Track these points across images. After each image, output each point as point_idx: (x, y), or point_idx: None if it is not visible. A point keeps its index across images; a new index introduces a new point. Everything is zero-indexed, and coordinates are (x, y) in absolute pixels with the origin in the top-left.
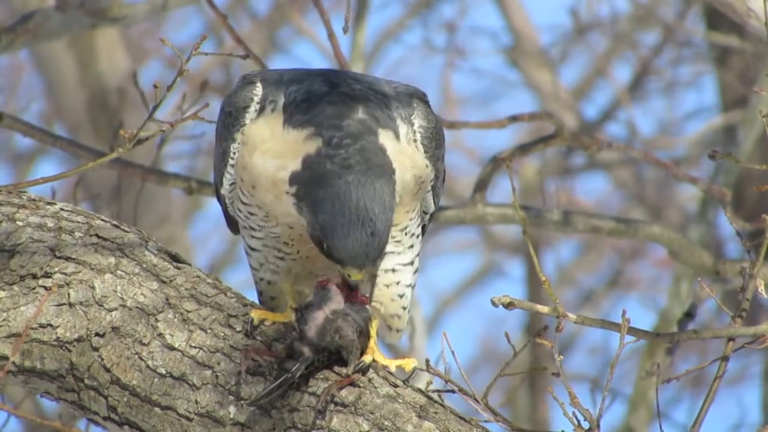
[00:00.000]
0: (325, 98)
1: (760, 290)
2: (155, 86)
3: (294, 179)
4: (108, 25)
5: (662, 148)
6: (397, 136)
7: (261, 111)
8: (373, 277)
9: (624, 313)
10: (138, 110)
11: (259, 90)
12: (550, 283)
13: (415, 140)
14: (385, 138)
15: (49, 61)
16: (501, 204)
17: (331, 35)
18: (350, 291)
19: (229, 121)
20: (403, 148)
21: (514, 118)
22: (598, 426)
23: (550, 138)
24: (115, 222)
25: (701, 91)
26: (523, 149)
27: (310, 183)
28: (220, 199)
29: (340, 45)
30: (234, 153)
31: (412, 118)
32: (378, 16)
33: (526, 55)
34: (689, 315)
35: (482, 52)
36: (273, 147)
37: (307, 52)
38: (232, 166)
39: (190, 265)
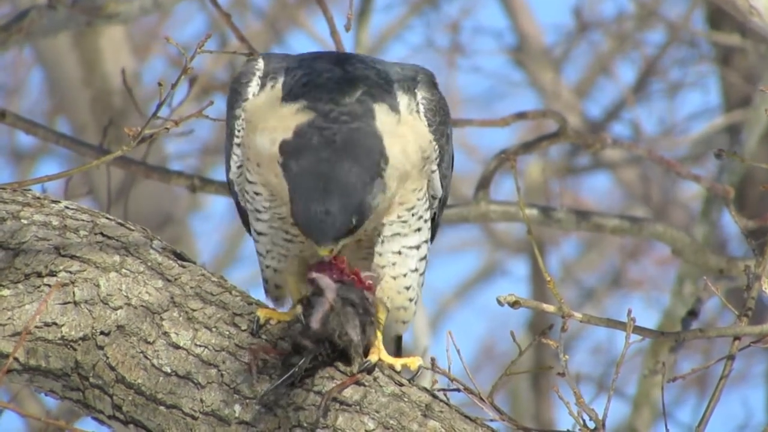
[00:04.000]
0: (325, 74)
1: (764, 289)
2: (159, 84)
3: (282, 148)
4: (103, 23)
5: (666, 149)
6: (393, 109)
7: (262, 88)
8: (378, 267)
9: (629, 312)
10: (144, 110)
11: (261, 65)
12: (554, 282)
13: (418, 111)
14: (380, 113)
15: (54, 61)
16: (504, 201)
17: (333, 33)
18: (332, 269)
19: (233, 98)
20: (404, 119)
21: (518, 116)
22: (604, 426)
23: (553, 136)
24: (119, 220)
25: (706, 91)
26: (527, 147)
27: (292, 155)
28: (231, 190)
29: (342, 43)
30: (239, 130)
31: (416, 90)
32: (381, 15)
33: (530, 55)
34: (693, 314)
35: (486, 52)
36: (269, 123)
37: (310, 50)
38: (238, 145)
39: (195, 263)
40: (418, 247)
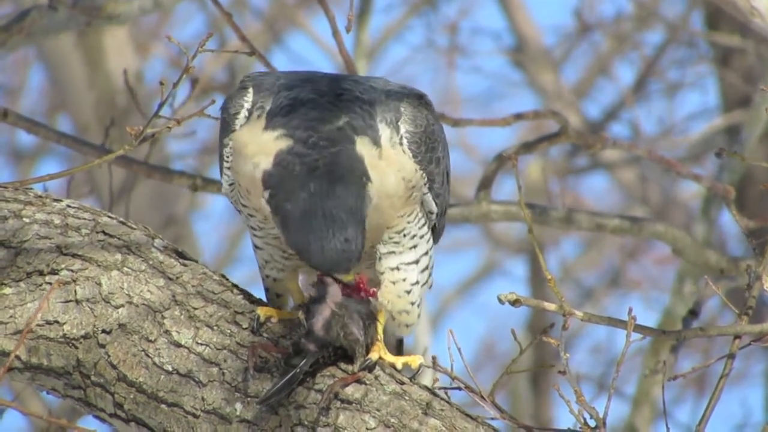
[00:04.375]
0: (308, 104)
1: (765, 288)
2: (161, 83)
3: (266, 181)
4: (103, 23)
5: (665, 149)
6: (375, 142)
7: (249, 117)
8: (379, 273)
9: (630, 311)
10: (147, 109)
11: (249, 96)
12: (554, 281)
13: (401, 144)
14: (361, 146)
15: (57, 61)
16: (505, 201)
17: (335, 33)
18: (346, 287)
19: (223, 128)
20: (385, 153)
21: (518, 116)
22: (604, 424)
23: (554, 136)
24: (121, 219)
25: (704, 91)
26: (528, 147)
27: (279, 192)
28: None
29: (344, 43)
30: (228, 157)
31: (399, 123)
32: (380, 16)
33: (529, 56)
34: (693, 313)
35: (485, 53)
36: (251, 149)
37: (310, 50)
38: (228, 169)
39: (196, 261)
40: (417, 262)
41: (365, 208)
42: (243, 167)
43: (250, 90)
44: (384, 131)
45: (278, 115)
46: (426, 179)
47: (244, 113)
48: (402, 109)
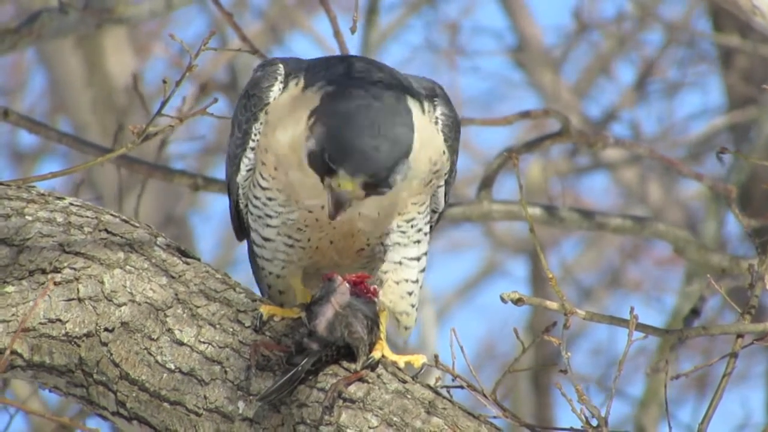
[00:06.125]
0: (356, 74)
1: (767, 287)
2: (164, 81)
3: (313, 112)
4: (113, 25)
5: (665, 149)
6: (422, 110)
7: (285, 88)
8: (381, 272)
9: (632, 310)
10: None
11: (281, 69)
12: (556, 280)
13: (436, 124)
14: (412, 104)
15: (57, 61)
16: (507, 201)
17: (337, 33)
18: (356, 285)
19: (252, 102)
20: (425, 125)
21: (523, 115)
22: (606, 423)
23: (556, 135)
24: (124, 217)
25: (705, 91)
26: (530, 146)
27: (330, 102)
28: (232, 193)
29: (346, 44)
30: (256, 135)
31: (435, 103)
32: (382, 15)
33: (530, 56)
34: (695, 312)
35: (486, 53)
36: (291, 113)
37: (311, 51)
38: (252, 149)
39: (199, 260)
40: (418, 259)
41: (401, 164)
42: (280, 137)
43: (280, 64)
44: (426, 104)
45: (317, 73)
46: (448, 167)
47: (278, 86)
48: (437, 91)
